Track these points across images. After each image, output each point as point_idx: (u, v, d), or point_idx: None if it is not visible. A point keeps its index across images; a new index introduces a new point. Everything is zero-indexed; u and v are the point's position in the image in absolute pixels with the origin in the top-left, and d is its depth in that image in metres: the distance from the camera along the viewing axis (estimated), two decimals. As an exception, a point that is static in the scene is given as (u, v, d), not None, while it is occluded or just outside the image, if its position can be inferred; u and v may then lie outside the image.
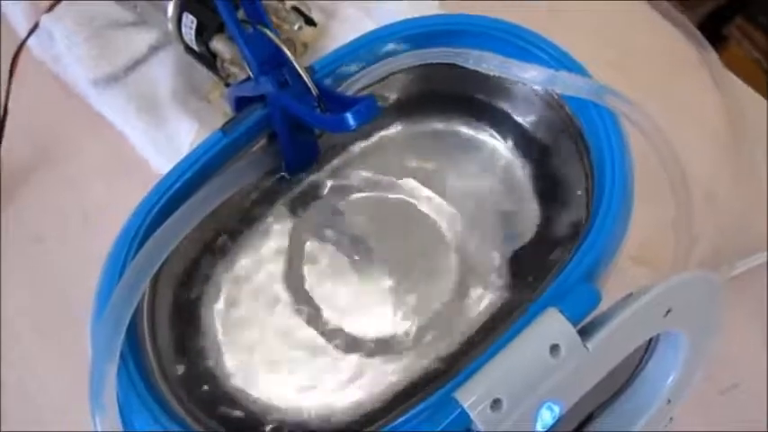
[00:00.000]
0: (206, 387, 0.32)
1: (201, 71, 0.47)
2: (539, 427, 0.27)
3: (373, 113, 0.26)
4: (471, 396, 0.26)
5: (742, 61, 0.86)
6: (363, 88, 0.34)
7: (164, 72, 0.47)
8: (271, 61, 0.30)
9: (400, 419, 0.27)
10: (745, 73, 0.53)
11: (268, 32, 0.29)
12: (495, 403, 0.26)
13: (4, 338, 0.42)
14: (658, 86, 0.50)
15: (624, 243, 0.32)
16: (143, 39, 0.47)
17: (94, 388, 0.27)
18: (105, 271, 0.30)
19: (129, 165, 0.47)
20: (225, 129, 0.31)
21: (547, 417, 0.27)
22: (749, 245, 0.45)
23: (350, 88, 0.33)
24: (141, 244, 0.30)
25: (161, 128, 0.45)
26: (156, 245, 0.30)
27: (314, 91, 0.29)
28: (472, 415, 0.25)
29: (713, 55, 0.50)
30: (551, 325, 0.27)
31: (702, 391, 0.40)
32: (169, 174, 0.31)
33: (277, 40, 0.29)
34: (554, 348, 0.27)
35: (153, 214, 0.31)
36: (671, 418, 0.35)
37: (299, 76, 0.29)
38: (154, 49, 0.47)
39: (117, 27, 0.47)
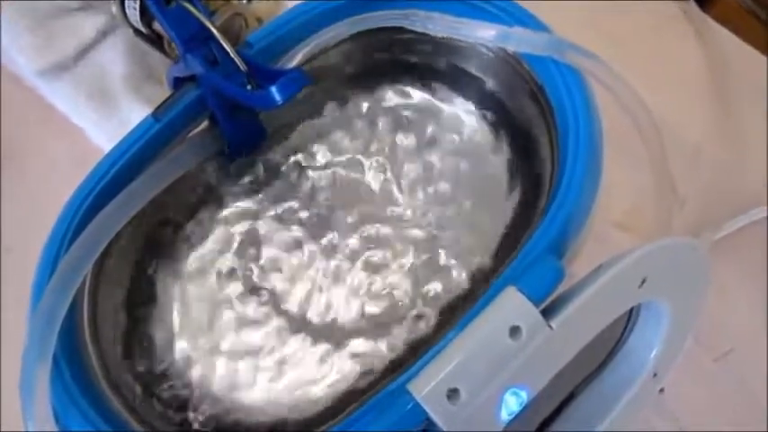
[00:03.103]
0: (158, 387, 0.30)
1: (155, 55, 0.44)
2: (504, 414, 0.25)
3: (300, 85, 0.24)
4: (425, 387, 0.24)
5: (737, 12, 0.82)
6: (307, 61, 0.31)
7: (114, 57, 0.45)
8: (196, 38, 0.28)
9: (353, 415, 0.25)
10: (741, 25, 0.50)
11: (190, 7, 0.27)
12: (453, 393, 0.24)
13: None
14: (639, 43, 0.48)
15: (595, 211, 0.30)
16: (90, 24, 0.45)
17: (25, 387, 0.25)
18: (38, 269, 0.28)
19: (90, 158, 0.45)
20: (156, 113, 0.29)
21: (512, 403, 0.25)
22: (739, 204, 0.42)
23: (290, 62, 0.30)
24: (74, 239, 0.28)
25: (113, 116, 0.43)
26: (90, 238, 0.28)
27: (242, 67, 0.26)
28: (427, 407, 0.24)
29: (694, 6, 0.47)
30: (510, 305, 0.25)
31: (695, 359, 0.39)
32: (98, 165, 0.29)
33: (200, 15, 0.27)
34: (514, 330, 0.25)
35: (84, 208, 0.29)
36: (661, 390, 0.33)
37: (228, 52, 0.27)
38: (102, 35, 0.45)
39: (62, 14, 0.45)
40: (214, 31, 0.26)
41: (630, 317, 0.31)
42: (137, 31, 0.43)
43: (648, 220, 0.41)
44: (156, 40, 0.41)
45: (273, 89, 0.24)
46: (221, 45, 0.27)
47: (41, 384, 0.25)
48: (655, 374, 0.32)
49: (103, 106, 0.43)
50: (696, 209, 0.42)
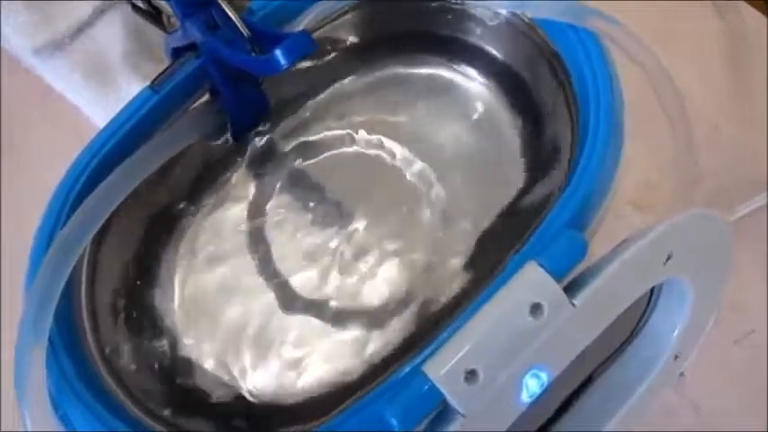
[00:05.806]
0: (159, 371, 0.29)
1: (154, 32, 0.43)
2: (525, 397, 0.24)
3: (306, 48, 0.23)
4: (441, 368, 0.22)
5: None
6: (313, 31, 0.30)
7: (112, 34, 0.44)
8: (196, 3, 0.26)
9: (366, 398, 0.24)
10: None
11: (188, -31, 0.25)
12: (470, 375, 0.23)
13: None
14: (654, 16, 0.46)
15: (616, 185, 0.28)
16: (87, 1, 0.44)
17: (20, 368, 0.23)
18: (32, 249, 0.27)
19: (88, 138, 0.44)
20: (154, 85, 0.28)
21: (533, 385, 0.24)
22: (757, 183, 0.41)
23: (294, 29, 0.29)
24: (70, 216, 0.27)
25: (112, 95, 0.42)
26: (85, 215, 0.26)
27: (244, 32, 0.25)
28: (443, 389, 0.22)
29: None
30: (531, 281, 0.23)
31: (715, 341, 0.38)
32: (94, 140, 0.28)
33: (199, -23, 0.25)
34: (535, 308, 0.23)
35: (80, 184, 0.27)
36: (681, 374, 0.32)
37: (230, 16, 0.26)
38: (100, 11, 0.44)
39: (58, -11, 0.44)
40: (214, -7, 0.25)
41: (651, 296, 0.30)
42: (135, 7, 0.41)
43: (665, 199, 0.40)
44: (154, 16, 0.40)
45: (278, 52, 0.23)
46: (222, 9, 0.25)
47: (37, 365, 0.23)
48: (676, 357, 0.30)
49: (101, 84, 0.42)
50: (712, 188, 0.41)
